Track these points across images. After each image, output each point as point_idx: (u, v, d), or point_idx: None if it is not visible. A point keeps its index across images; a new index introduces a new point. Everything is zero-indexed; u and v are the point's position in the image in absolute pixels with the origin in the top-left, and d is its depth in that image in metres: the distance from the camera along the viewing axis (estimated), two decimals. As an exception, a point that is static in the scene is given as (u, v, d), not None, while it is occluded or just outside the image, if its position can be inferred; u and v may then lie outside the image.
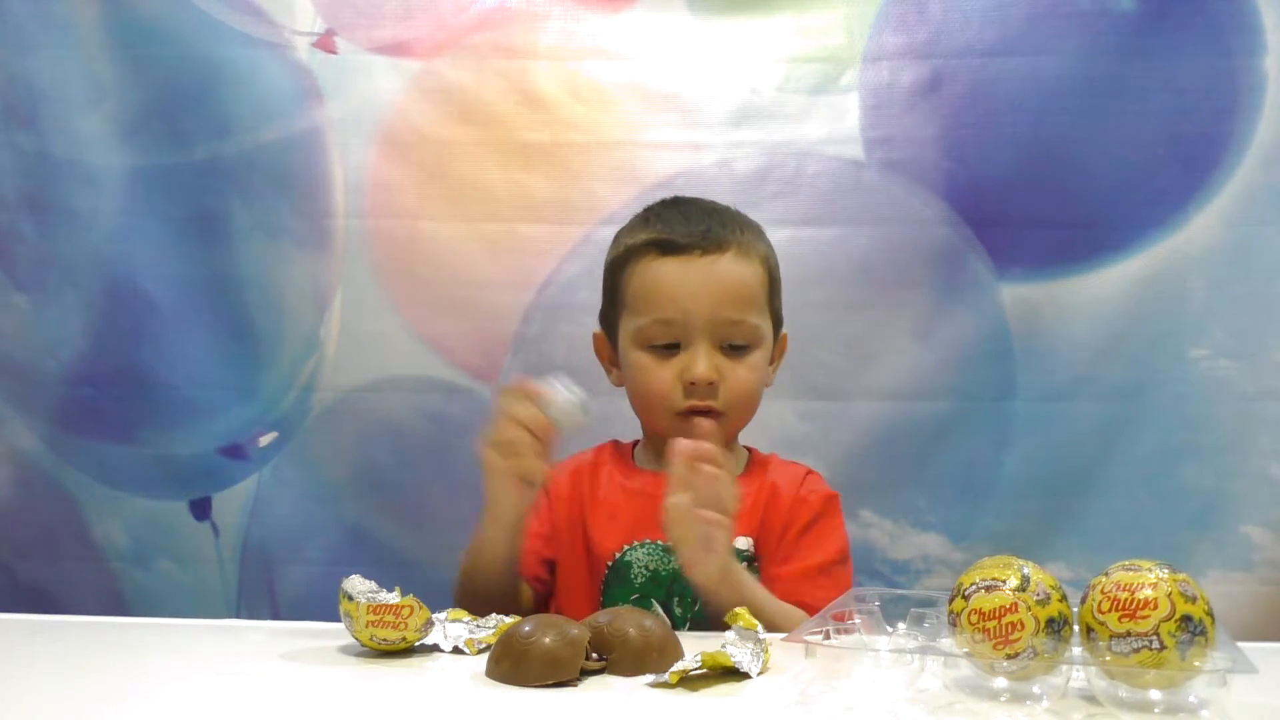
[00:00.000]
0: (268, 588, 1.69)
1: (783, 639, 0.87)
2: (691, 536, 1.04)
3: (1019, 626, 0.74)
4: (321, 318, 1.69)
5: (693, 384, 1.19)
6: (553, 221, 1.67)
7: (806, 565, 1.20)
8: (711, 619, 1.04)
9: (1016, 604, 0.75)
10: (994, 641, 0.74)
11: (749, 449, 1.33)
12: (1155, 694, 0.71)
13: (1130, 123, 1.61)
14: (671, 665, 0.81)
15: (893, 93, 1.65)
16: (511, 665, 0.81)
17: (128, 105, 1.67)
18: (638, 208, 1.32)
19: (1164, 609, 0.72)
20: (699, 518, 1.03)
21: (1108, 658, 0.73)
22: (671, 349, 1.21)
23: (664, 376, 1.20)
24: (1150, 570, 0.74)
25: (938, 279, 1.65)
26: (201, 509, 1.69)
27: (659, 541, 1.20)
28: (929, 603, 0.88)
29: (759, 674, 0.83)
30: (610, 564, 1.21)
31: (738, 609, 0.91)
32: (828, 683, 0.78)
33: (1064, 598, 0.77)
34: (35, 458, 1.69)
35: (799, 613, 1.09)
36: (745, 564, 1.17)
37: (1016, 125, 1.62)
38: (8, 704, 0.78)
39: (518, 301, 1.68)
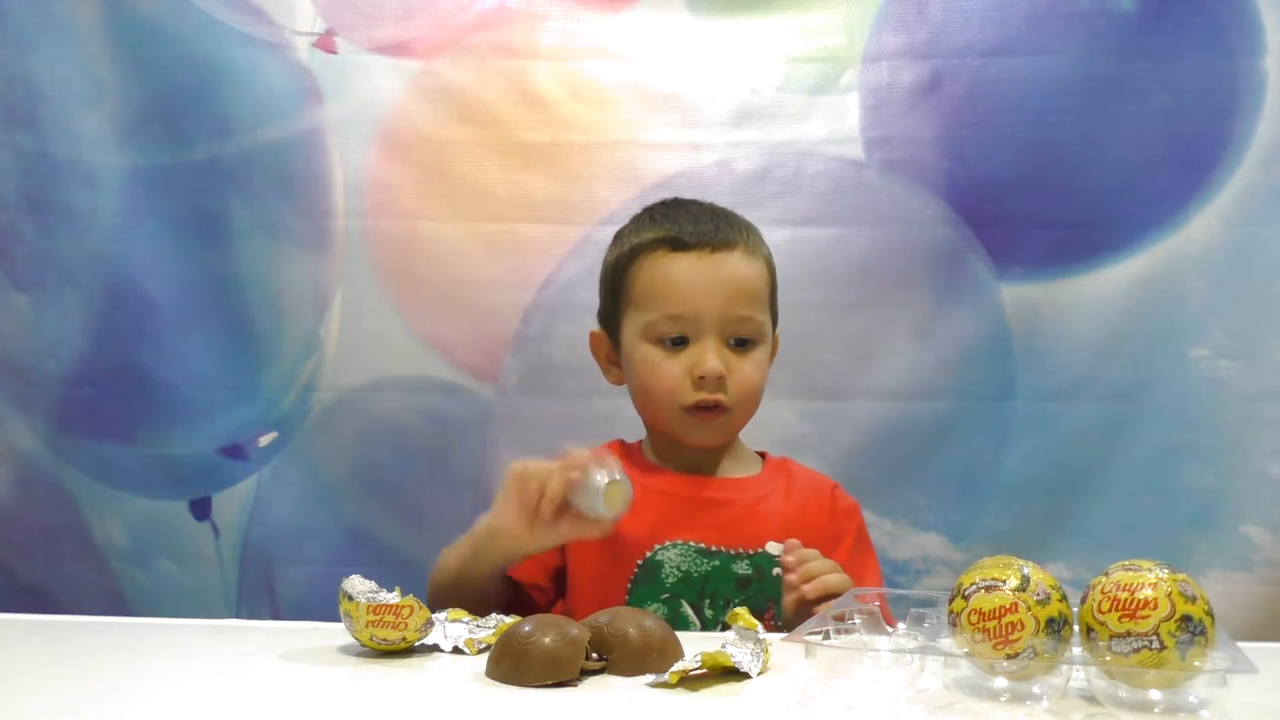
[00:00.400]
0: (268, 588, 1.69)
1: (783, 639, 0.87)
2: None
3: (1019, 626, 0.74)
4: (321, 318, 1.69)
5: (702, 378, 1.19)
6: (553, 221, 1.67)
7: (868, 579, 1.23)
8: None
9: (1016, 604, 0.75)
10: (994, 641, 0.74)
11: (761, 454, 1.32)
12: (1155, 694, 0.71)
13: (1130, 123, 1.61)
14: (671, 665, 0.81)
15: (893, 93, 1.65)
16: (511, 665, 0.81)
17: (128, 105, 1.67)
18: (638, 208, 1.32)
19: (1164, 609, 0.72)
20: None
21: (1108, 658, 0.73)
22: (679, 344, 1.21)
23: (673, 371, 1.20)
24: (1150, 570, 0.74)
25: (938, 279, 1.65)
26: (201, 509, 1.69)
27: (691, 542, 1.19)
28: (929, 603, 0.88)
29: (759, 674, 0.83)
30: (640, 563, 1.19)
31: (737, 609, 0.91)
32: (828, 683, 0.78)
33: (1064, 598, 0.77)
34: (35, 458, 1.69)
35: None
36: (780, 569, 1.16)
37: (1016, 125, 1.63)
38: (8, 704, 0.78)
39: (518, 301, 1.68)
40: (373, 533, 1.68)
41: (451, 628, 0.94)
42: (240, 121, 1.68)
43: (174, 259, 1.68)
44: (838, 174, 1.66)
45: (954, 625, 0.77)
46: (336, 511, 1.69)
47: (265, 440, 1.69)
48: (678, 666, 0.80)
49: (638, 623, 0.85)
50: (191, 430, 1.69)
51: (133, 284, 1.68)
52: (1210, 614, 0.73)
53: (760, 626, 0.89)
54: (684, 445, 1.25)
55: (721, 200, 1.31)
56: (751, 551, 1.19)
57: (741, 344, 1.22)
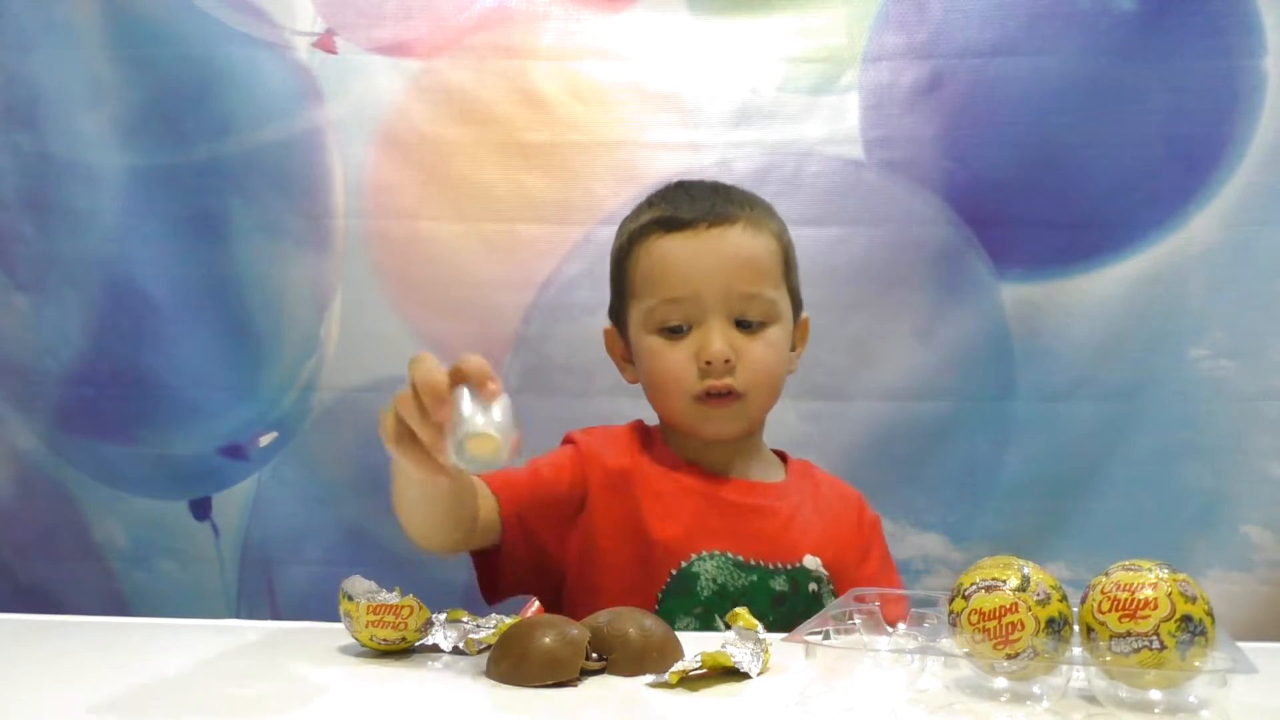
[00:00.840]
0: (268, 588, 1.69)
1: (783, 639, 0.87)
2: None
3: (1019, 626, 0.74)
4: (321, 318, 1.69)
5: (708, 363, 1.11)
6: (553, 221, 1.67)
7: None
8: None
9: (1016, 604, 0.75)
10: (994, 641, 0.74)
11: (780, 454, 1.26)
12: (1155, 694, 0.71)
13: (1130, 123, 1.61)
14: (671, 665, 0.81)
15: (893, 93, 1.65)
16: (511, 665, 0.81)
17: (128, 105, 1.67)
18: (638, 207, 1.32)
19: (1164, 609, 0.72)
20: None
21: (1108, 658, 0.73)
22: (684, 330, 1.14)
23: (678, 359, 1.13)
24: (1150, 570, 0.74)
25: (938, 279, 1.65)
26: (201, 509, 1.69)
27: (729, 554, 1.11)
28: (929, 603, 0.88)
29: (759, 674, 0.83)
30: (675, 572, 1.10)
31: (737, 609, 0.90)
32: (828, 683, 0.78)
33: (1064, 598, 0.77)
34: (35, 458, 1.69)
35: None
36: (816, 584, 1.12)
37: (1016, 125, 1.63)
38: (8, 704, 0.77)
39: (518, 301, 1.68)
40: (373, 533, 1.67)
41: (451, 628, 0.94)
42: (240, 121, 1.68)
43: (174, 259, 1.68)
44: (838, 174, 1.66)
45: (954, 625, 0.77)
46: (336, 511, 1.69)
47: (265, 440, 1.69)
48: (678, 666, 0.80)
49: (638, 623, 0.85)
50: (192, 430, 1.69)
51: (133, 284, 1.68)
52: (1210, 614, 0.73)
53: (760, 626, 0.89)
54: (701, 440, 1.17)
55: (721, 201, 1.31)
56: (789, 566, 1.12)
57: (751, 324, 1.14)
